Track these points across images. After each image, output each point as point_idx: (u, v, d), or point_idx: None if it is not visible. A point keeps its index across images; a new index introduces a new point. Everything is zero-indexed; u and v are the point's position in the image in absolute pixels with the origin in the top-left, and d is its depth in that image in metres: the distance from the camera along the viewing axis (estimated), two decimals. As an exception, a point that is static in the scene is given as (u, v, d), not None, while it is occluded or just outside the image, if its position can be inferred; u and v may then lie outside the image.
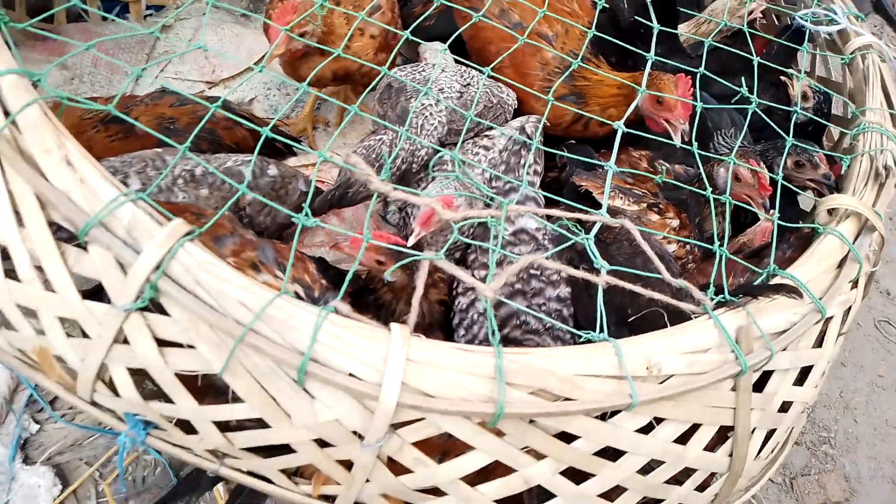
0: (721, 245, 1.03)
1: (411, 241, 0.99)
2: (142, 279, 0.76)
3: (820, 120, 1.41)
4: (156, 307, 0.79)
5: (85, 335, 0.82)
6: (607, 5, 1.39)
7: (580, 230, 1.00)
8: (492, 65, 1.23)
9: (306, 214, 0.89)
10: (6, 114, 0.84)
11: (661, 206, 1.30)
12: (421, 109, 1.15)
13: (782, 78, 1.40)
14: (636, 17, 1.34)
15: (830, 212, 1.11)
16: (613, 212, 1.22)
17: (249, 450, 0.85)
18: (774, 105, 1.35)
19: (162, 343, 0.79)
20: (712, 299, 0.94)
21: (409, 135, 1.09)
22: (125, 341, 0.80)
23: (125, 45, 1.57)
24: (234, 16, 1.72)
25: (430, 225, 1.01)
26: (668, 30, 1.35)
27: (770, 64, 1.34)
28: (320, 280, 1.02)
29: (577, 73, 1.35)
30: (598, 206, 1.26)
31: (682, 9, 1.53)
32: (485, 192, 1.07)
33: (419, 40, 1.20)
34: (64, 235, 0.83)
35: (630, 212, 1.28)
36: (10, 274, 0.84)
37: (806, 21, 1.43)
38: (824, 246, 1.05)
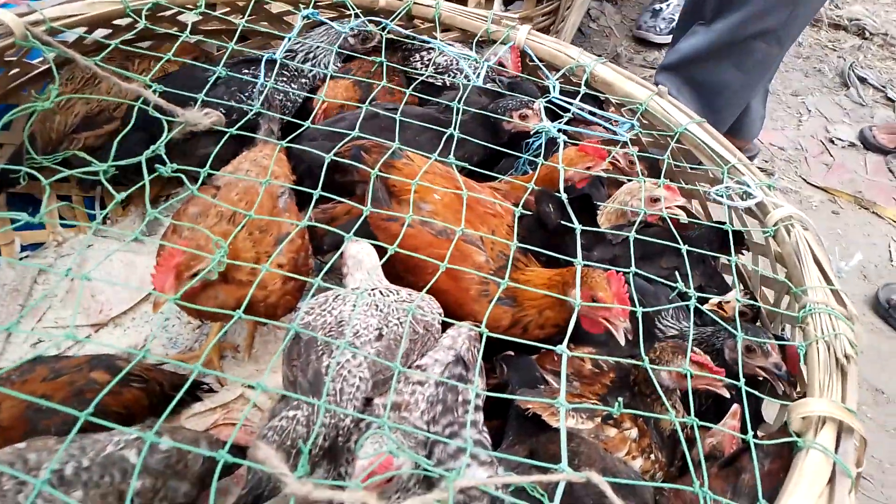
0: (701, 483, 0.90)
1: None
2: None
3: (754, 303, 1.37)
4: None
5: None
6: (529, 211, 1.34)
7: (543, 494, 0.85)
8: (424, 289, 1.15)
9: None
10: None
11: (615, 417, 1.17)
12: (338, 369, 1.01)
13: (714, 307, 1.36)
14: (561, 221, 1.28)
15: (804, 417, 1.01)
16: (567, 436, 1.08)
17: None
18: (709, 296, 1.31)
19: None
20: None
21: (328, 406, 0.93)
22: None
23: (-7, 299, 1.38)
24: (123, 243, 1.57)
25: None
26: (591, 229, 1.30)
27: (695, 249, 1.30)
28: None
29: (511, 277, 1.27)
30: (546, 426, 1.14)
31: (596, 202, 1.50)
32: (425, 465, 0.90)
33: (329, 285, 1.08)
34: None
35: (586, 430, 1.14)
36: None
37: (721, 196, 1.41)
38: (810, 464, 0.93)
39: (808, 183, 2.99)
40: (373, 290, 1.20)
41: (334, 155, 1.33)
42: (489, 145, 1.54)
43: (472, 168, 1.57)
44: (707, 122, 1.57)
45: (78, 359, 1.20)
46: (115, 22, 1.52)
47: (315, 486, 0.78)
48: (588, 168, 1.51)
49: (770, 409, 1.37)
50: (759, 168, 3.09)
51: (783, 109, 3.44)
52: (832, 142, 3.26)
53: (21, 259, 1.50)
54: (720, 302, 1.35)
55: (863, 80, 3.68)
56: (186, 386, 0.94)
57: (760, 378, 1.24)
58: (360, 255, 1.31)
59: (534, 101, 1.58)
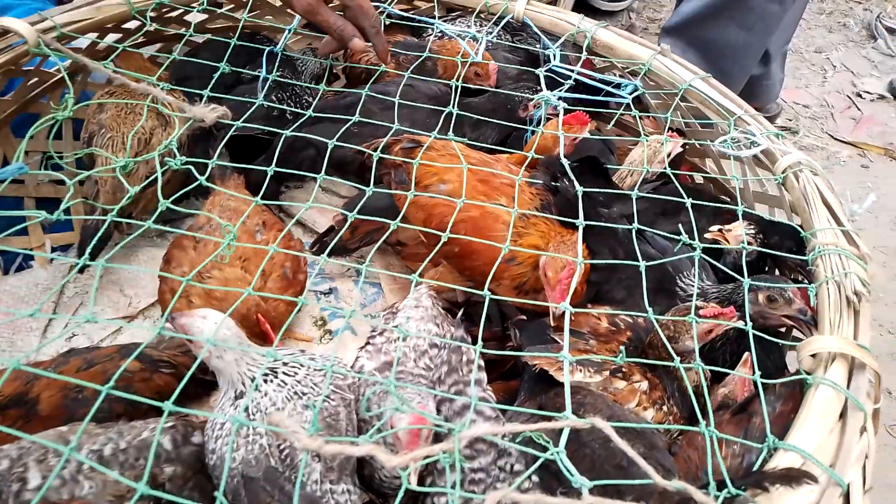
0: (707, 423, 0.91)
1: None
2: None
3: (765, 251, 1.33)
4: None
5: None
6: (539, 181, 1.36)
7: (548, 441, 0.86)
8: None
9: None
10: None
11: (624, 370, 1.18)
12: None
13: (716, 235, 1.32)
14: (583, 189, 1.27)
15: (814, 355, 1.00)
16: (575, 389, 1.09)
17: None
18: (717, 246, 1.29)
19: None
20: (716, 497, 0.81)
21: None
22: None
23: (27, 298, 1.45)
24: (148, 238, 1.63)
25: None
26: (610, 191, 1.35)
27: (707, 203, 1.30)
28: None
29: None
30: (556, 382, 1.15)
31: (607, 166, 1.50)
32: (431, 419, 0.93)
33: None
34: None
35: (594, 384, 1.15)
36: None
37: (726, 148, 1.40)
38: (819, 399, 0.93)
39: (834, 139, 2.92)
40: (265, 376, 1.04)
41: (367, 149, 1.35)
42: (503, 123, 1.57)
43: (486, 146, 1.59)
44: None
45: (109, 348, 1.26)
46: (125, 26, 1.58)
47: (326, 441, 0.82)
48: (575, 139, 1.50)
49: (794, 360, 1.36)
50: (781, 126, 3.04)
51: (807, 67, 3.36)
52: (860, 95, 3.17)
53: (51, 261, 1.57)
54: (721, 229, 1.33)
55: (891, 31, 3.56)
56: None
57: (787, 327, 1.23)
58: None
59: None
